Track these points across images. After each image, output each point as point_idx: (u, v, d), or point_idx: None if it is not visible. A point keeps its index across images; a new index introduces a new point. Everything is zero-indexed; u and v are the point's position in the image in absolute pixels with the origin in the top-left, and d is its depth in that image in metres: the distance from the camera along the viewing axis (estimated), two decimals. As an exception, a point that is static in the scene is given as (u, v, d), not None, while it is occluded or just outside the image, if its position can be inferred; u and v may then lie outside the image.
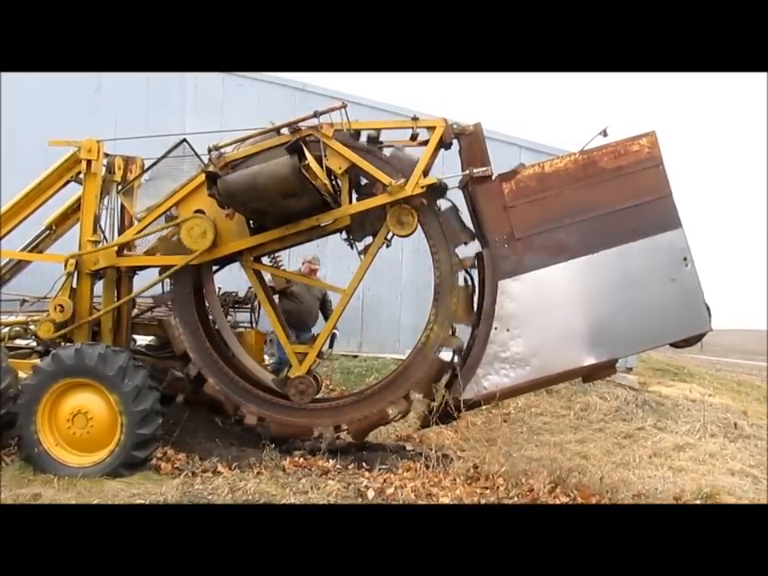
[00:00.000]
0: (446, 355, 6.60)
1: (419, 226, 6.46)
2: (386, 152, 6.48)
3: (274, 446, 6.44)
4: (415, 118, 6.49)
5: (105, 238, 6.95)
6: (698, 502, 6.04)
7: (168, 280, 6.64)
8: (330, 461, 6.30)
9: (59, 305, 6.53)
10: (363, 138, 6.48)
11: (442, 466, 6.17)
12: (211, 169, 5.96)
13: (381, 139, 6.55)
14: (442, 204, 6.53)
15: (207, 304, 7.15)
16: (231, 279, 8.24)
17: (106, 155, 6.90)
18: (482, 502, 5.50)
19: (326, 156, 6.25)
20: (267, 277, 7.75)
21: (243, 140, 6.27)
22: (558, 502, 5.55)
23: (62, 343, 6.64)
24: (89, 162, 6.70)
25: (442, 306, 6.43)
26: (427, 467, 6.10)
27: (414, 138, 6.68)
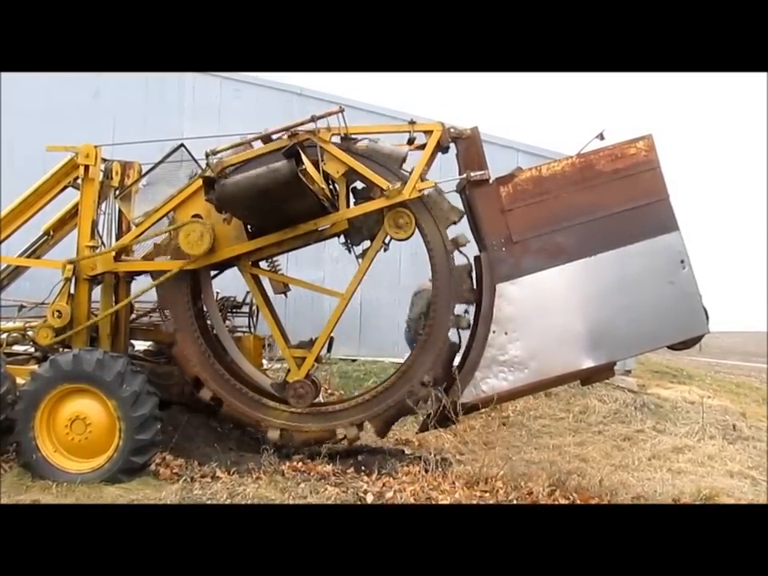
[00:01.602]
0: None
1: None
2: (361, 144, 6.44)
3: (272, 450, 6.43)
4: (412, 122, 6.52)
5: (102, 243, 6.95)
6: (697, 503, 6.04)
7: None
8: (329, 465, 6.29)
9: (57, 310, 6.53)
10: (336, 139, 6.46)
11: (441, 469, 6.16)
12: (209, 174, 5.96)
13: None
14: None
15: (205, 309, 7.15)
16: (228, 283, 8.23)
17: (104, 160, 6.91)
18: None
19: (323, 160, 6.26)
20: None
21: (240, 144, 6.28)
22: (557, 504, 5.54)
23: (60, 349, 6.64)
24: (86, 167, 6.71)
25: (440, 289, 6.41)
26: (426, 471, 6.09)
27: (411, 141, 6.70)
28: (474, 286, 6.47)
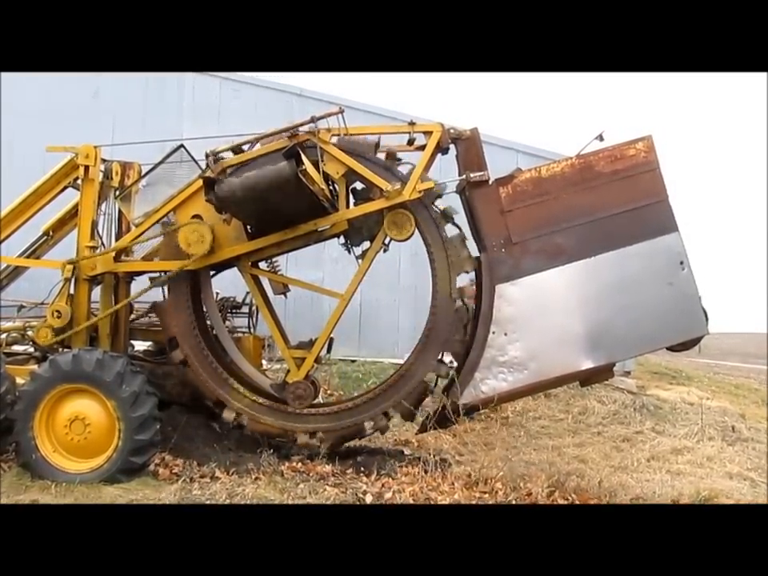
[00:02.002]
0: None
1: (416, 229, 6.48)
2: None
3: (272, 450, 6.44)
4: (412, 123, 6.53)
5: (102, 243, 6.96)
6: (695, 504, 6.04)
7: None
8: (328, 466, 6.28)
9: (56, 310, 6.53)
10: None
11: (440, 470, 6.16)
12: (209, 174, 5.97)
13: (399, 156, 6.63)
14: (449, 230, 6.49)
15: (205, 309, 7.15)
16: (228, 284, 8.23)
17: (104, 161, 6.92)
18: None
19: (323, 161, 6.26)
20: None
21: (240, 145, 6.28)
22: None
23: (60, 349, 6.64)
24: (86, 167, 6.71)
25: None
26: (426, 472, 6.09)
27: (410, 142, 6.71)
28: (466, 336, 6.48)
